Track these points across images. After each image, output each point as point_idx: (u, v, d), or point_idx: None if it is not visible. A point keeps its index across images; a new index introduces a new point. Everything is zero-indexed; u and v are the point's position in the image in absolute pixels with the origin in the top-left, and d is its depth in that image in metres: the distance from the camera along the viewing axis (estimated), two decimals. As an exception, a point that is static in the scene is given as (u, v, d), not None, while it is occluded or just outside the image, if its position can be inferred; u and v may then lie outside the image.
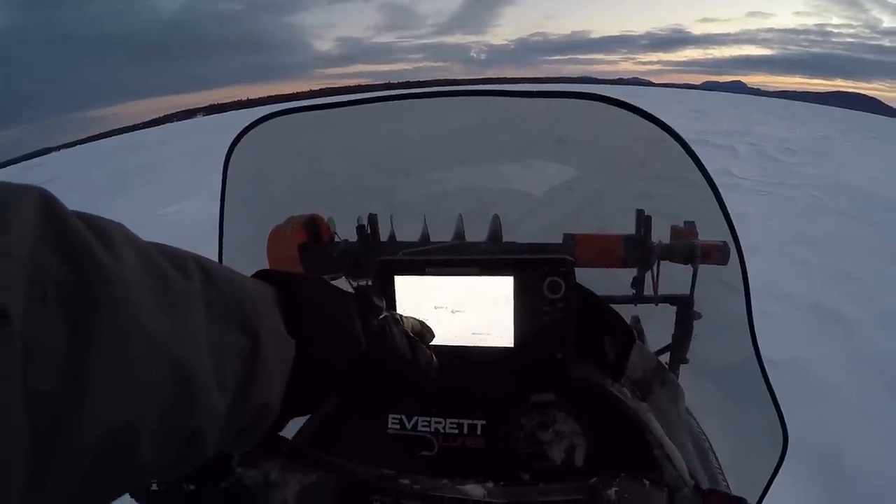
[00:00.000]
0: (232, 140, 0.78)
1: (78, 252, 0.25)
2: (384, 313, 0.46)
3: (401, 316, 0.50)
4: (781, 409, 0.76)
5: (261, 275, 0.41)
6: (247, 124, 0.79)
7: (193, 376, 0.28)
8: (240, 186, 0.85)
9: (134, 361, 0.26)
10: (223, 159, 0.80)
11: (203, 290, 0.31)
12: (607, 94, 0.71)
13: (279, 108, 0.77)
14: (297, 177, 0.99)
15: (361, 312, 0.43)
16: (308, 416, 0.69)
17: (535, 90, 0.72)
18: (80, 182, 13.50)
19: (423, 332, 0.53)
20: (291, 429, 0.68)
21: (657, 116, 0.69)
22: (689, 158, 0.70)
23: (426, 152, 0.95)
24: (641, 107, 0.69)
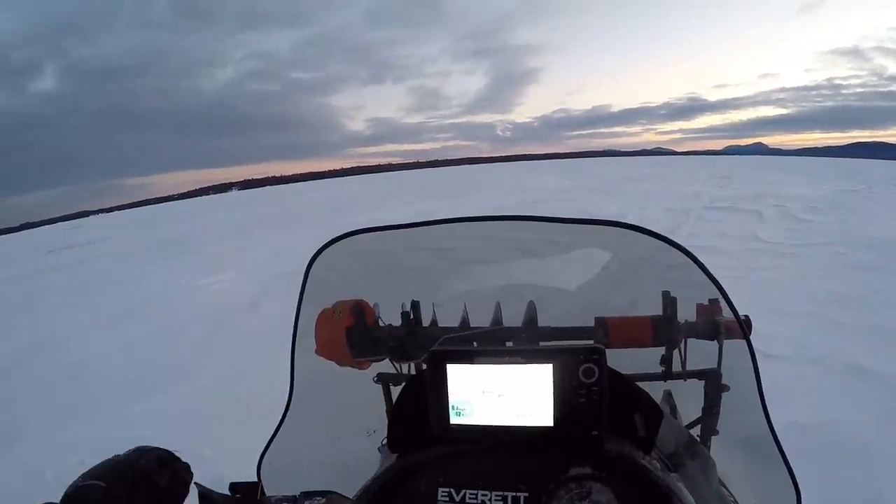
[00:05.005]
0: (313, 253, 0.92)
1: None
2: None
3: None
4: (792, 466, 0.78)
5: None
6: (325, 242, 0.92)
7: None
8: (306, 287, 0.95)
9: None
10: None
11: None
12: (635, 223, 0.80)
13: (356, 229, 0.91)
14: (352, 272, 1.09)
15: None
16: (371, 479, 0.75)
17: (571, 218, 0.83)
18: (120, 247, 14.08)
19: None
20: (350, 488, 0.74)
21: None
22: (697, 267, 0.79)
23: (464, 244, 1.04)
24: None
